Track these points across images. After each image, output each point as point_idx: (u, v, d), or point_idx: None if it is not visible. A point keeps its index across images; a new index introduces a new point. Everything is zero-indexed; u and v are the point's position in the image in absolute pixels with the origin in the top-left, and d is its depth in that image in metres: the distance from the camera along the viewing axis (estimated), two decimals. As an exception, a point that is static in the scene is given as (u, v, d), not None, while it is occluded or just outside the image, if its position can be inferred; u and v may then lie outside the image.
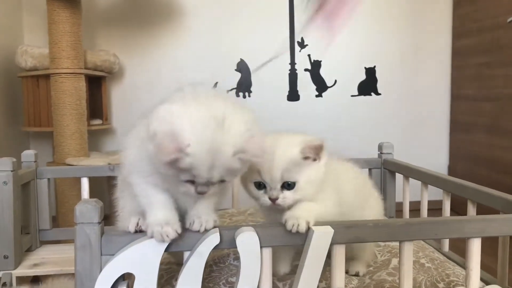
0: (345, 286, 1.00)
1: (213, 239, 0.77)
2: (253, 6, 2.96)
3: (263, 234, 0.81)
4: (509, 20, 2.45)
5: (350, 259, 1.10)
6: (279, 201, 0.90)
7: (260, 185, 0.93)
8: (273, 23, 2.99)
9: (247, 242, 0.78)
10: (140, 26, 2.91)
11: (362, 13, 3.01)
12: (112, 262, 0.74)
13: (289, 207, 0.90)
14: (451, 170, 3.10)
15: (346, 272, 1.07)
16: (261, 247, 0.80)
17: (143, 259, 0.75)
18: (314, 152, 0.92)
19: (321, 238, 0.80)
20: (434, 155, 3.12)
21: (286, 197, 0.91)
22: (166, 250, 0.77)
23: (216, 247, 0.78)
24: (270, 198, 0.91)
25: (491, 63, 2.68)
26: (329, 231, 0.81)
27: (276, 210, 0.92)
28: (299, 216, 0.83)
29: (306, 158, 0.91)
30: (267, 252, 0.82)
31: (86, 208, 0.75)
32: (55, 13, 2.31)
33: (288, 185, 0.91)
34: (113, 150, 2.76)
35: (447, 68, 3.09)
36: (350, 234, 0.84)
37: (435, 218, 0.89)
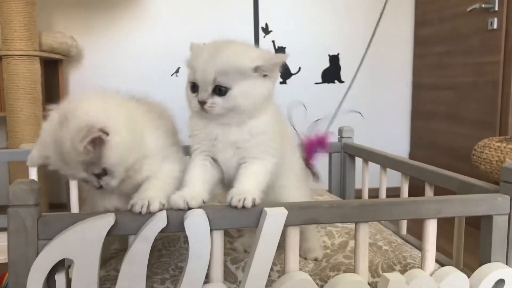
0: (301, 269, 0.98)
1: (159, 222, 0.73)
2: (217, -11, 2.89)
3: (214, 216, 0.77)
4: (469, 9, 2.49)
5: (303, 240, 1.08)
6: (207, 106, 0.83)
7: (195, 87, 0.85)
8: (237, 8, 2.93)
9: (196, 225, 0.74)
10: (99, 7, 2.80)
11: (326, 0, 2.99)
12: (48, 247, 0.69)
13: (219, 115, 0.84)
14: (412, 158, 3.15)
15: (305, 258, 1.06)
16: (211, 230, 0.76)
17: (83, 243, 0.70)
18: (270, 69, 0.85)
19: (274, 220, 0.77)
20: (396, 142, 3.16)
21: (215, 102, 0.83)
22: (108, 233, 0.72)
23: (163, 231, 0.74)
24: (199, 101, 0.83)
25: (451, 51, 2.72)
26: (282, 213, 0.78)
27: None
28: (245, 191, 0.80)
29: (255, 71, 0.84)
30: (218, 234, 0.78)
31: (20, 189, 0.69)
32: (6, -9, 2.19)
33: (219, 91, 0.83)
34: (71, 137, 2.66)
35: (409, 56, 3.12)
36: (304, 215, 0.81)
37: (391, 199, 0.88)
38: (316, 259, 1.06)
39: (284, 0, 2.96)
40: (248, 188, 0.83)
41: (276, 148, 0.90)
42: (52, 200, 2.54)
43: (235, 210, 0.79)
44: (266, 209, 0.78)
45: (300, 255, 1.05)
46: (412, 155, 3.16)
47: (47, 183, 2.38)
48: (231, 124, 0.87)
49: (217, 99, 0.83)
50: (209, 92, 0.83)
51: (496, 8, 2.33)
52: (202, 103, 0.83)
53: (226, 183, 0.93)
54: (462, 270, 1.03)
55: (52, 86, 2.65)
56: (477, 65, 2.50)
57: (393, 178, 1.33)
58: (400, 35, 3.10)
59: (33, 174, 1.40)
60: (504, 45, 2.31)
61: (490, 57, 2.40)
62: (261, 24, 2.96)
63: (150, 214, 0.74)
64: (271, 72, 0.86)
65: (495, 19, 2.33)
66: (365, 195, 1.44)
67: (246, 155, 0.88)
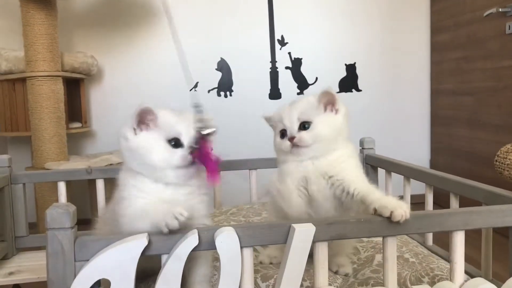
0: (330, 285, 0.99)
1: (191, 241, 0.75)
2: (232, 4, 2.93)
3: (243, 234, 0.78)
4: (485, 14, 2.48)
5: (334, 255, 1.09)
6: (295, 140, 1.01)
7: (283, 135, 1.05)
8: (253, 21, 2.97)
9: (227, 243, 0.76)
10: (118, 27, 2.87)
11: (341, 10, 3.01)
12: (86, 268, 0.71)
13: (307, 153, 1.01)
14: (433, 164, 3.12)
15: (336, 272, 1.06)
16: (241, 247, 0.78)
17: (118, 264, 0.72)
18: (326, 99, 1.04)
19: (302, 236, 0.78)
20: (416, 149, 3.14)
21: (302, 136, 1.01)
22: (143, 253, 0.74)
23: (195, 249, 0.75)
24: (289, 139, 1.02)
25: (469, 57, 2.71)
26: (310, 229, 0.79)
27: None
28: (400, 205, 0.84)
29: (324, 108, 1.04)
30: (248, 252, 0.79)
31: (57, 213, 0.72)
32: (29, 15, 2.27)
33: (304, 127, 1.02)
34: (93, 153, 2.72)
35: (426, 63, 3.11)
36: (332, 231, 0.82)
37: (418, 212, 0.88)
38: (346, 275, 1.06)
39: (298, 12, 2.98)
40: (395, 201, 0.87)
41: None
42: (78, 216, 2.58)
43: (264, 228, 0.81)
44: (294, 225, 0.79)
45: (331, 269, 1.06)
46: (433, 162, 3.13)
47: (72, 200, 2.43)
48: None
49: (303, 133, 1.02)
50: (296, 129, 1.03)
51: (514, 12, 2.31)
52: (291, 139, 1.02)
53: None
54: (491, 281, 1.03)
55: (74, 105, 2.71)
56: (496, 70, 2.48)
57: (416, 185, 1.33)
58: (417, 42, 3.10)
59: (62, 192, 1.44)
60: (523, 49, 2.29)
61: (509, 61, 2.38)
62: (277, 36, 2.99)
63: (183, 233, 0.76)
64: (331, 106, 1.06)
65: (513, 23, 2.32)
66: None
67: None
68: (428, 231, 0.91)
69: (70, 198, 2.27)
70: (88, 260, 0.73)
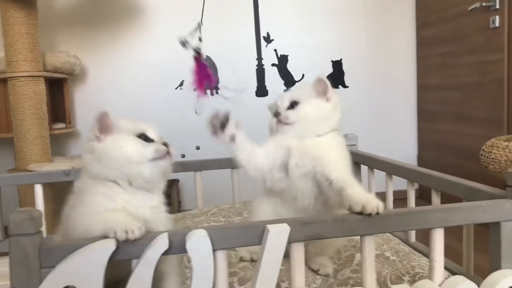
0: (309, 285, 0.97)
1: (161, 245, 0.73)
2: (217, 1, 2.90)
3: (216, 236, 0.76)
4: (470, 8, 2.47)
5: (316, 255, 1.07)
6: (281, 117, 1.06)
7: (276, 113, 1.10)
8: (238, 19, 2.94)
9: (198, 246, 0.74)
10: (101, 25, 2.82)
11: (326, 6, 2.99)
12: (51, 275, 0.68)
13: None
14: (420, 159, 3.12)
15: (317, 272, 1.04)
16: (214, 250, 0.76)
17: (85, 269, 0.69)
18: (321, 87, 1.08)
19: (277, 237, 0.76)
20: (403, 145, 3.14)
21: (287, 114, 1.06)
22: (111, 258, 0.71)
23: (165, 253, 0.73)
24: (274, 114, 1.08)
25: (454, 52, 2.70)
26: (285, 229, 0.77)
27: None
28: (373, 199, 0.84)
29: (317, 94, 1.08)
30: (222, 255, 0.77)
31: (20, 218, 0.69)
32: (9, 14, 2.22)
33: (292, 107, 1.07)
34: (78, 154, 2.68)
35: (413, 58, 3.11)
36: (307, 231, 0.80)
37: (396, 210, 0.87)
38: (327, 275, 1.04)
39: (284, 9, 2.96)
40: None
41: None
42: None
43: (238, 229, 0.79)
44: (268, 226, 0.77)
45: (312, 268, 1.05)
46: (420, 157, 3.13)
47: (55, 203, 2.39)
48: None
49: (289, 112, 1.08)
50: (284, 107, 1.09)
51: (497, 6, 2.31)
52: (277, 115, 1.09)
53: None
54: (473, 277, 1.02)
55: (58, 105, 2.67)
56: (481, 64, 2.48)
57: (400, 180, 1.32)
58: (403, 37, 3.09)
59: (39, 195, 1.41)
60: (507, 42, 2.29)
61: (493, 56, 2.37)
62: (263, 33, 2.97)
63: (151, 237, 0.74)
64: (324, 93, 1.10)
65: (497, 17, 2.31)
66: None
67: None
68: (406, 229, 0.89)
69: (54, 200, 2.25)
70: (54, 267, 0.70)
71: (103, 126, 0.88)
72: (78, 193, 0.89)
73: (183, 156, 2.83)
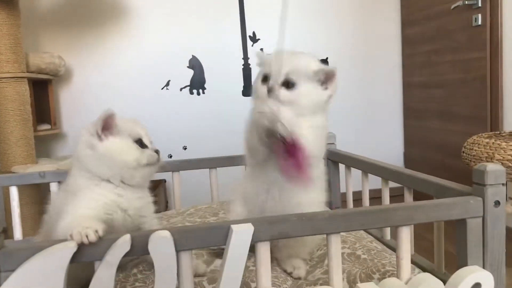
0: (279, 286, 0.97)
1: (123, 246, 0.73)
2: (203, 0, 2.90)
3: (180, 237, 0.76)
4: (452, 7, 2.48)
5: (290, 257, 1.07)
6: (273, 95, 0.95)
7: (265, 80, 0.98)
8: (223, 18, 2.94)
9: (160, 247, 0.73)
10: (86, 26, 2.81)
11: (312, 5, 3.00)
12: (10, 279, 0.68)
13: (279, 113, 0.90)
14: (406, 157, 3.14)
15: (290, 274, 1.04)
16: (178, 251, 0.76)
17: (45, 272, 0.69)
18: (324, 75, 0.98)
19: (240, 237, 0.77)
20: (390, 143, 3.15)
21: (282, 93, 0.95)
22: (73, 260, 0.71)
23: (127, 255, 0.73)
24: (267, 88, 0.96)
25: (438, 49, 2.72)
26: (249, 229, 0.77)
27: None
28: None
29: (316, 78, 0.98)
30: (186, 256, 0.77)
31: (-21, 222, 0.69)
32: (-11, 15, 2.21)
33: (287, 85, 0.96)
34: (64, 155, 2.67)
35: (398, 56, 3.12)
36: (273, 230, 0.80)
37: (361, 208, 0.87)
38: (299, 278, 1.04)
39: (269, 8, 2.96)
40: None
41: None
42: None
43: (202, 230, 0.79)
44: (232, 226, 0.77)
45: (285, 270, 1.05)
46: (406, 155, 3.15)
47: (40, 207, 2.38)
48: None
49: (284, 91, 0.96)
50: (279, 82, 0.96)
51: (480, 4, 2.32)
52: (270, 89, 0.95)
53: None
54: (443, 274, 1.03)
55: (43, 106, 2.66)
56: (464, 62, 2.50)
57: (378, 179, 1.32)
58: (387, 35, 3.10)
59: (15, 197, 1.40)
60: (490, 40, 2.30)
61: (476, 53, 2.39)
62: (249, 32, 2.96)
63: (114, 239, 0.74)
64: (325, 82, 1.00)
65: (479, 15, 2.33)
66: (350, 201, 1.43)
67: None
68: (372, 227, 0.89)
69: (41, 202, 2.24)
70: (14, 270, 0.70)
71: (107, 125, 0.93)
72: (71, 191, 0.93)
73: (170, 156, 2.83)
